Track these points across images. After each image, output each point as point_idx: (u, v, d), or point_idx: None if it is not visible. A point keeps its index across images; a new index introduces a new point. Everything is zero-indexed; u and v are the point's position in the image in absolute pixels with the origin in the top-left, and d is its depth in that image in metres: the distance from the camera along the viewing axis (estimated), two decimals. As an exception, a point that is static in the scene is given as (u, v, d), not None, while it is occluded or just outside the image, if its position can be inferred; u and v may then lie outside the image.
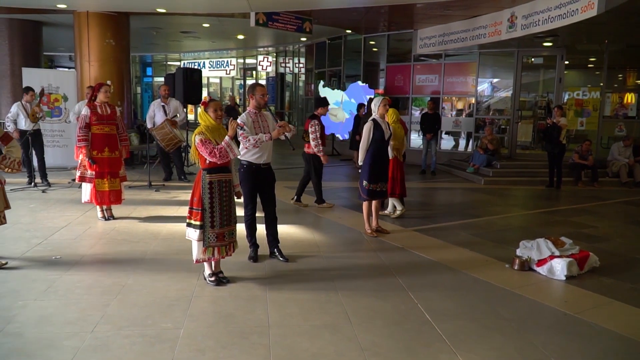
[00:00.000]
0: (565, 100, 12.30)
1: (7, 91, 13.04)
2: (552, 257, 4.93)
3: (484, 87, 13.19)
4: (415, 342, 3.49)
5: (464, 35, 11.50)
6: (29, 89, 8.75)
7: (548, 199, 9.22)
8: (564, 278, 4.76)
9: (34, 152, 8.84)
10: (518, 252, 5.26)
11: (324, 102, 7.52)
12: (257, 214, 5.11)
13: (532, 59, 13.23)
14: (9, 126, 8.54)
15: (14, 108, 8.67)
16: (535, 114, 13.25)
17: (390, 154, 6.55)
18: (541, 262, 4.97)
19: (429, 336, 3.58)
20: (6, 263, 4.71)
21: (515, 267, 5.06)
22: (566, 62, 11.86)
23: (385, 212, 7.18)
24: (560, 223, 7.19)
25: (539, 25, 9.18)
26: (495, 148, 11.30)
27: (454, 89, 13.05)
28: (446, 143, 13.57)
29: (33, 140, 8.66)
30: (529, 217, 7.74)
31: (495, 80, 13.44)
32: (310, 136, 7.11)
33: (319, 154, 7.18)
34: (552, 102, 12.15)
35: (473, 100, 12.82)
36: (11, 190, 8.14)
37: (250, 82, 23.08)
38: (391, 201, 7.13)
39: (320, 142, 7.12)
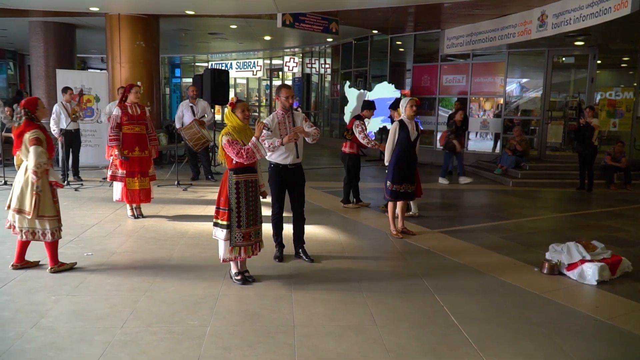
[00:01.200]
0: (597, 101, 12.01)
1: (42, 92, 13.41)
2: (582, 261, 4.83)
3: (512, 87, 12.97)
4: (441, 345, 3.46)
5: (492, 35, 11.33)
6: (67, 89, 9.00)
7: (579, 202, 9.02)
8: (595, 283, 4.65)
9: (71, 151, 9.05)
10: (547, 255, 5.16)
11: (371, 106, 7.67)
12: (285, 214, 5.14)
13: (563, 59, 12.95)
14: (54, 130, 8.79)
15: (55, 108, 8.90)
16: (566, 115, 12.97)
17: None
18: (571, 266, 4.87)
19: (455, 339, 3.54)
20: (75, 263, 4.78)
21: (545, 271, 4.97)
22: (598, 62, 11.57)
23: (409, 213, 7.15)
24: (591, 226, 7.03)
25: (571, 24, 8.99)
26: (524, 149, 11.11)
27: (482, 89, 12.87)
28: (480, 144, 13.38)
29: (73, 139, 8.88)
30: (559, 220, 7.59)
31: (524, 80, 13.20)
32: (359, 135, 7.26)
33: (374, 147, 7.41)
34: (583, 102, 11.87)
35: (501, 101, 12.62)
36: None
37: (276, 82, 23.25)
38: (412, 202, 7.10)
39: (369, 138, 7.31)
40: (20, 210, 4.46)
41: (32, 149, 4.36)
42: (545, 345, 3.52)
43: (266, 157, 4.76)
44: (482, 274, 4.91)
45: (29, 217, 4.42)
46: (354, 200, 7.79)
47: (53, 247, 4.58)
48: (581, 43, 10.85)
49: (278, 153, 4.91)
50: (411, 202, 7.10)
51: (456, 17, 11.49)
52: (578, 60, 12.76)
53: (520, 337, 3.61)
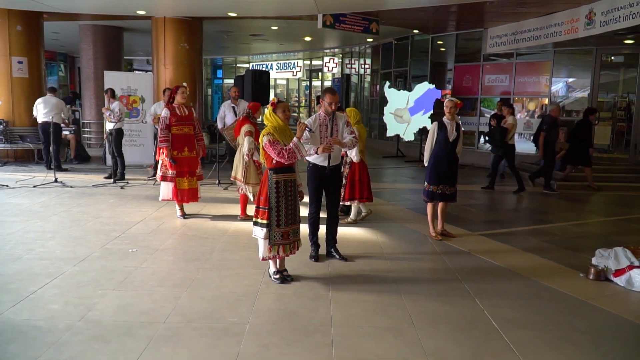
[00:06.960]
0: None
1: (91, 93, 13.96)
2: (631, 267, 4.65)
3: (558, 87, 12.61)
4: (482, 350, 3.40)
5: (537, 33, 11.05)
6: (107, 90, 9.26)
7: (628, 206, 8.67)
8: (645, 290, 4.48)
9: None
10: (594, 260, 4.99)
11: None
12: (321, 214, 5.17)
13: (612, 57, 12.50)
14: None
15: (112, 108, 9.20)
16: (615, 116, 12.51)
17: (356, 158, 6.22)
18: (619, 272, 4.70)
19: (496, 345, 3.48)
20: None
21: (591, 277, 4.81)
22: (650, 61, 11.11)
23: (348, 219, 6.61)
24: (641, 232, 6.76)
25: (620, 22, 8.66)
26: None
27: (526, 89, 12.57)
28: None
29: (112, 138, 9.12)
30: (606, 224, 7.32)
31: (570, 79, 12.81)
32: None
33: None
34: (633, 103, 11.42)
35: (546, 101, 12.28)
36: (93, 186, 8.69)
37: (316, 83, 23.37)
38: (354, 206, 6.66)
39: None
40: (235, 178, 6.47)
41: (246, 139, 6.08)
42: (590, 353, 3.41)
43: (306, 157, 4.80)
44: (524, 278, 4.80)
45: (241, 183, 6.38)
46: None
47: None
48: (631, 41, 10.44)
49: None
50: (352, 207, 6.63)
51: (500, 16, 11.26)
52: (628, 59, 12.30)
53: (564, 344, 3.51)
